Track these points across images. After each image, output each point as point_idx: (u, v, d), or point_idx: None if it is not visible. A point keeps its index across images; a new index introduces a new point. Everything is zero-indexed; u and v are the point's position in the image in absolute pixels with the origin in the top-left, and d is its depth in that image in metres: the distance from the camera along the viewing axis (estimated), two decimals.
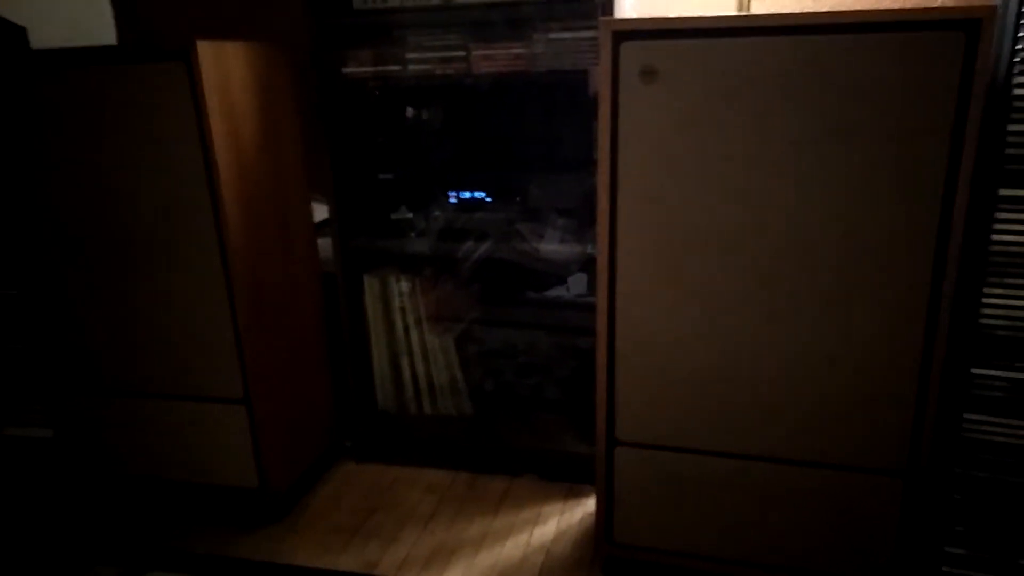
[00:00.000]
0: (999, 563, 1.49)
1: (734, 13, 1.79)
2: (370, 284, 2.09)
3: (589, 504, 1.96)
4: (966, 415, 1.44)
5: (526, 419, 2.19)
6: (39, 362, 1.96)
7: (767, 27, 1.26)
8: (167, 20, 2.31)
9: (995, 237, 1.34)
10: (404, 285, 2.08)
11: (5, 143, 1.75)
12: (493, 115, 2.06)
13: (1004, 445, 1.43)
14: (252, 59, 1.75)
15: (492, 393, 2.26)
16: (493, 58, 1.79)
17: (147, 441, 1.92)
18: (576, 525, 1.89)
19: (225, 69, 1.66)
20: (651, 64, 1.32)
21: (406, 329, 2.12)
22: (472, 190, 2.05)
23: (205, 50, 1.58)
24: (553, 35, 1.74)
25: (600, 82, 1.36)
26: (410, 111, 2.11)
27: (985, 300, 1.37)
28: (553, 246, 1.93)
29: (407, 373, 2.16)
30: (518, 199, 2.02)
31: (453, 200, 2.07)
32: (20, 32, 1.99)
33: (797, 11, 1.73)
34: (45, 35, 2.05)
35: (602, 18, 1.40)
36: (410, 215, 2.07)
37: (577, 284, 2.08)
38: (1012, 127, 1.30)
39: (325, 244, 2.07)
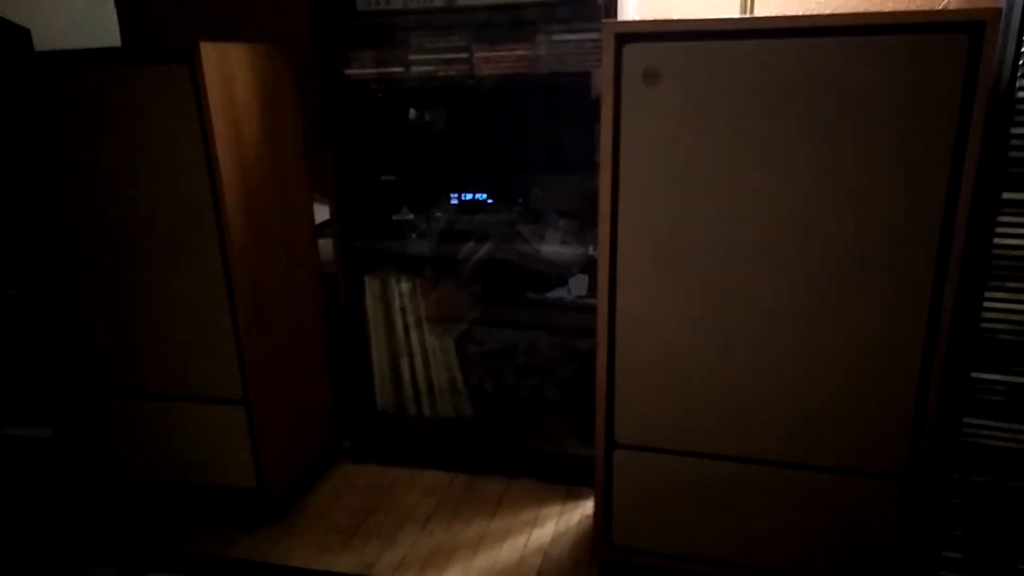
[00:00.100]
0: (997, 568, 1.48)
1: (737, 16, 1.79)
2: (371, 285, 2.09)
3: (587, 506, 1.95)
4: (966, 419, 1.43)
5: (525, 420, 2.19)
6: (39, 362, 1.96)
7: (770, 30, 1.26)
8: (171, 22, 2.32)
9: (997, 241, 1.34)
10: (405, 286, 2.08)
11: (8, 144, 1.75)
12: (495, 117, 2.07)
13: (1003, 449, 1.43)
14: (255, 61, 1.76)
15: (492, 394, 2.26)
16: (496, 60, 1.79)
17: (146, 441, 1.92)
18: (574, 527, 1.89)
19: (228, 71, 1.66)
20: (654, 66, 1.32)
21: (406, 330, 2.12)
22: (474, 191, 2.05)
23: (208, 52, 1.59)
24: (556, 37, 1.74)
25: (602, 84, 1.36)
26: (412, 113, 2.11)
27: (986, 304, 1.37)
28: (554, 248, 1.93)
29: (407, 374, 2.16)
30: (520, 200, 2.02)
31: (454, 201, 2.07)
32: (24, 33, 2.00)
33: (800, 14, 1.73)
34: (49, 36, 2.05)
35: (605, 20, 1.40)
36: (411, 216, 2.07)
37: (578, 286, 2.09)
38: (1015, 130, 1.29)
39: (326, 245, 2.07)
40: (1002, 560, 1.48)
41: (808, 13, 1.80)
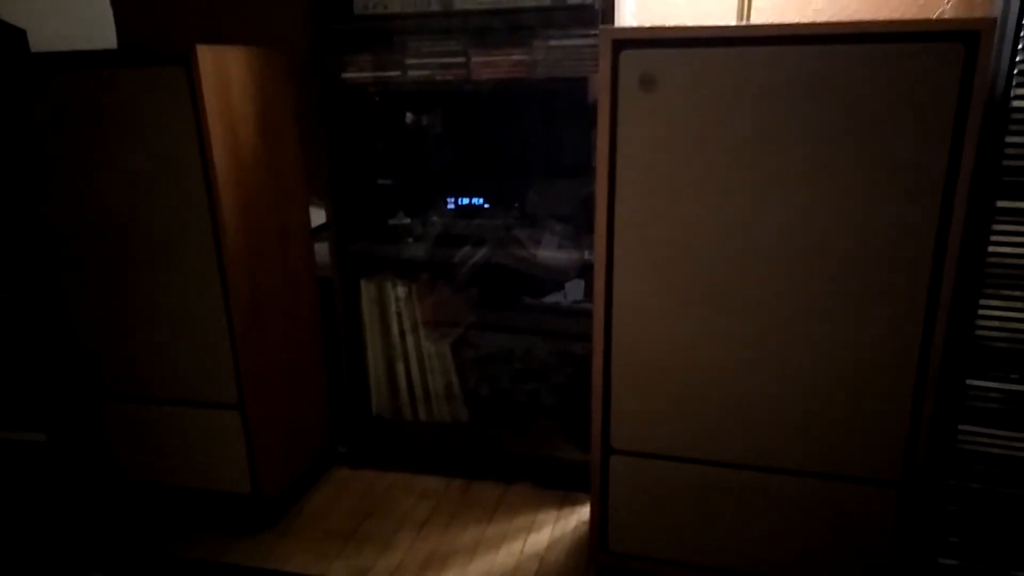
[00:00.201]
0: (993, 574, 1.48)
1: (734, 23, 1.80)
2: (367, 289, 2.09)
3: (584, 512, 1.95)
4: (961, 426, 1.44)
5: (521, 425, 2.18)
6: (33, 365, 1.95)
7: (767, 37, 1.27)
8: (167, 24, 2.32)
9: (992, 249, 1.35)
10: (401, 290, 2.08)
11: (3, 145, 1.74)
12: (492, 121, 2.07)
13: (999, 457, 1.43)
14: (252, 64, 1.75)
15: (488, 399, 2.25)
16: (493, 65, 1.79)
17: (140, 445, 1.91)
18: (570, 533, 1.88)
19: (224, 74, 1.66)
20: (650, 72, 1.32)
21: (402, 334, 2.12)
22: (470, 196, 2.05)
23: (205, 55, 1.58)
24: (553, 42, 1.74)
25: (599, 90, 1.36)
26: (409, 117, 2.11)
27: (981, 312, 1.38)
28: (551, 252, 1.93)
29: (403, 378, 2.16)
30: (516, 205, 2.02)
31: (451, 206, 2.07)
32: (20, 35, 1.99)
33: (797, 21, 1.74)
34: (45, 38, 2.05)
35: (602, 26, 1.41)
36: (408, 220, 2.06)
37: (574, 290, 2.09)
38: (1010, 139, 1.30)
39: (322, 249, 2.07)
40: (997, 567, 1.48)
41: (804, 21, 1.81)
